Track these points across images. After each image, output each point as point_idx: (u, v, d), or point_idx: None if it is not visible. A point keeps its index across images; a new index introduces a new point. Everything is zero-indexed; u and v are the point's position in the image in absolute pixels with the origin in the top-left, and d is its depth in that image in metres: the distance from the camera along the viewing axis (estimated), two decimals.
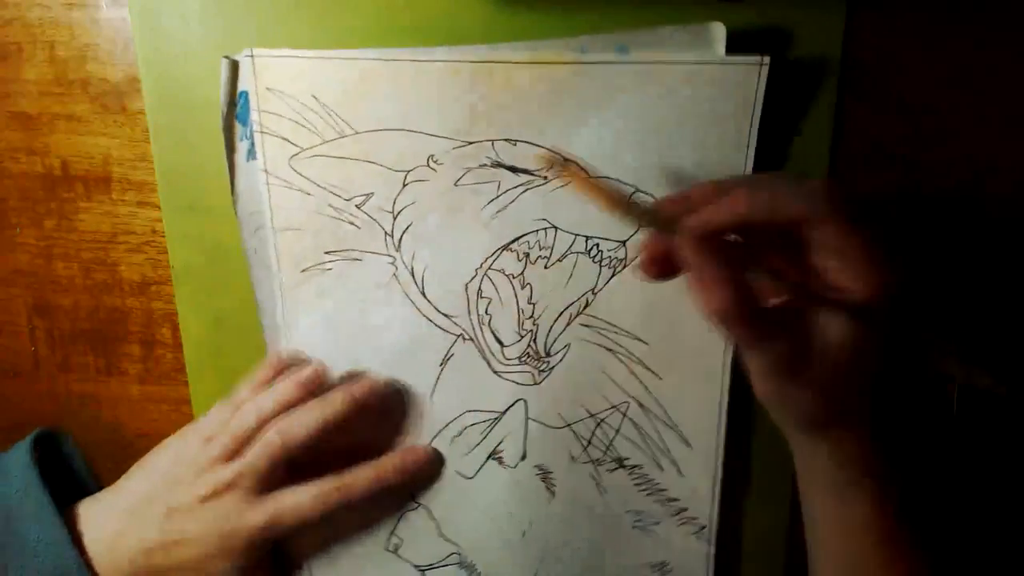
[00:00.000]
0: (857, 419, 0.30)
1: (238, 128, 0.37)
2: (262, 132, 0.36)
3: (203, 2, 0.36)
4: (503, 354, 0.39)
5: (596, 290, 0.37)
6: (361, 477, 0.37)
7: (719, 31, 0.34)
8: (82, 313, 0.42)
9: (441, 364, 0.39)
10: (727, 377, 0.38)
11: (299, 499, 0.36)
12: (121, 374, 0.43)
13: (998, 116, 0.36)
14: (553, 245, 0.37)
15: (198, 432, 0.37)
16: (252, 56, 0.36)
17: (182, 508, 0.35)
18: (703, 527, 0.40)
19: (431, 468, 0.40)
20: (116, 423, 0.44)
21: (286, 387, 0.37)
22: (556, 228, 0.37)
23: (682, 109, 0.35)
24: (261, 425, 0.36)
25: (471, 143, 0.36)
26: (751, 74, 0.34)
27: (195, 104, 0.37)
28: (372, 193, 0.37)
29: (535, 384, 0.39)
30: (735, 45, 0.34)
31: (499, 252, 0.37)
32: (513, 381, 0.39)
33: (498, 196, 0.37)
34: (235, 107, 0.37)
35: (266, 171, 0.37)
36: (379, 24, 0.36)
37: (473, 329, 0.38)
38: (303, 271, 0.38)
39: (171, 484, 0.36)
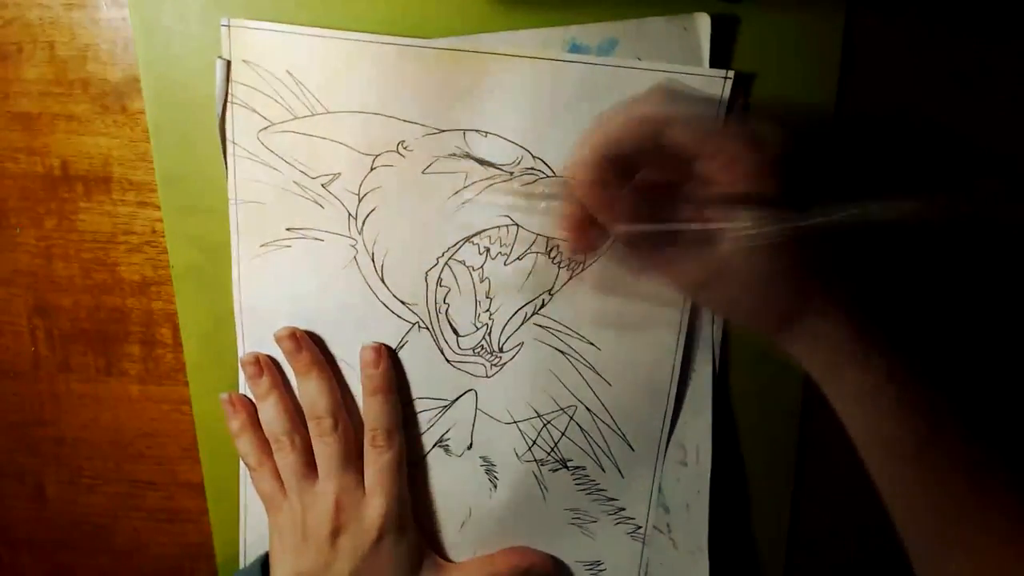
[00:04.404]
0: (813, 307, 0.29)
1: None
2: (233, 103, 0.36)
3: (203, 2, 0.36)
4: (458, 344, 0.39)
5: (553, 291, 0.38)
6: (371, 408, 0.39)
7: (704, 22, 0.34)
8: (82, 313, 0.42)
9: (395, 350, 0.39)
10: (675, 384, 0.38)
11: (373, 467, 0.38)
12: (121, 374, 0.43)
13: (997, 116, 0.36)
14: (514, 242, 0.37)
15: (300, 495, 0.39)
16: (229, 26, 0.36)
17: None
18: (639, 527, 0.41)
19: (386, 352, 0.39)
20: (116, 423, 0.44)
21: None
22: (518, 226, 0.37)
23: None
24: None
25: (442, 131, 0.36)
26: (716, 85, 0.35)
27: (195, 104, 0.37)
28: (339, 174, 0.37)
29: (487, 377, 0.39)
30: (735, 46, 0.35)
31: (461, 243, 0.37)
32: (466, 372, 0.39)
33: (464, 187, 0.37)
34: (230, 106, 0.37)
35: (233, 142, 0.37)
36: (378, 13, 0.36)
37: (429, 317, 0.38)
38: (262, 246, 0.38)
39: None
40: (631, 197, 0.30)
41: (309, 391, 0.38)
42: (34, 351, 0.43)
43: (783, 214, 0.27)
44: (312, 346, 0.39)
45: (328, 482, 0.38)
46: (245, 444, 0.39)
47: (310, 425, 0.39)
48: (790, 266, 0.29)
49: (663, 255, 0.30)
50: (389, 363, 0.39)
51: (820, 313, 0.29)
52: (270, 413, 0.39)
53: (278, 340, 0.39)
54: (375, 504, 0.38)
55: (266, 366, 0.39)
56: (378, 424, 0.38)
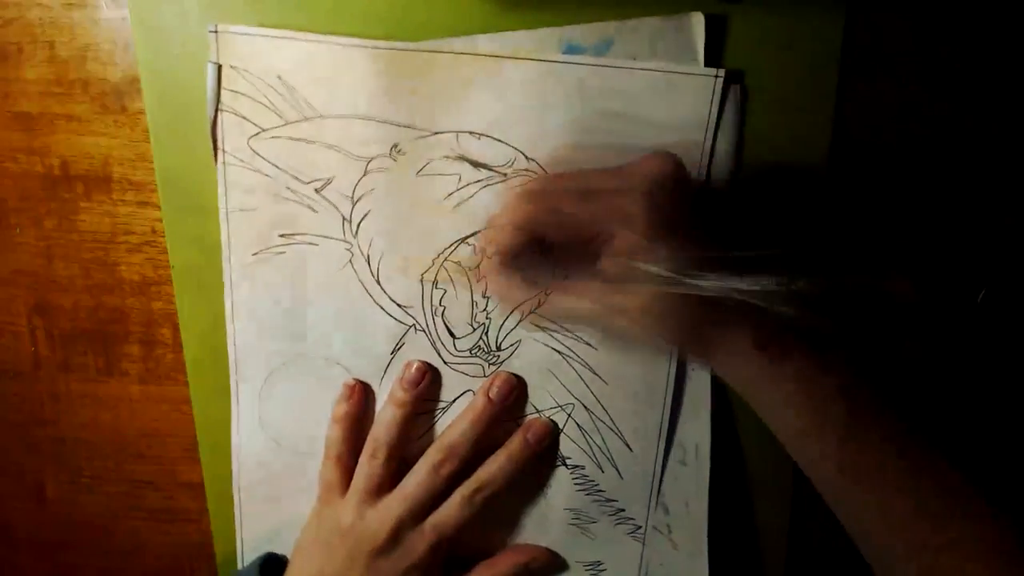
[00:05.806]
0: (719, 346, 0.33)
1: None
2: (222, 110, 0.36)
3: (203, 2, 0.36)
4: (454, 346, 0.39)
5: (548, 291, 0.38)
6: (496, 467, 0.38)
7: (698, 22, 0.34)
8: (82, 313, 0.42)
9: (392, 353, 0.39)
10: (671, 387, 0.38)
11: (451, 513, 0.38)
12: (121, 374, 0.43)
13: (998, 116, 0.36)
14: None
15: (357, 493, 0.38)
16: (216, 32, 0.36)
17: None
18: (638, 527, 0.41)
19: (552, 436, 0.40)
20: (116, 423, 0.44)
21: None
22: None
23: (645, 113, 0.35)
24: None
25: (435, 134, 0.36)
26: (707, 85, 0.35)
27: (195, 104, 0.37)
28: (332, 178, 0.37)
29: (484, 377, 0.39)
30: (734, 47, 0.34)
31: (456, 244, 0.37)
32: (463, 373, 0.39)
33: (458, 189, 0.37)
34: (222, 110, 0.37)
35: (223, 150, 0.37)
36: (375, 16, 0.36)
37: (426, 319, 0.38)
38: (255, 253, 0.38)
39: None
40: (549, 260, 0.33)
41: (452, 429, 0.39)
42: (34, 351, 0.43)
43: (691, 254, 0.30)
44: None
45: (398, 504, 0.37)
46: (337, 432, 0.39)
47: (427, 453, 0.38)
48: (697, 303, 0.31)
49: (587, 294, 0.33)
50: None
51: (730, 335, 0.32)
52: (391, 421, 0.38)
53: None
54: (428, 541, 0.37)
55: (426, 382, 0.39)
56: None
